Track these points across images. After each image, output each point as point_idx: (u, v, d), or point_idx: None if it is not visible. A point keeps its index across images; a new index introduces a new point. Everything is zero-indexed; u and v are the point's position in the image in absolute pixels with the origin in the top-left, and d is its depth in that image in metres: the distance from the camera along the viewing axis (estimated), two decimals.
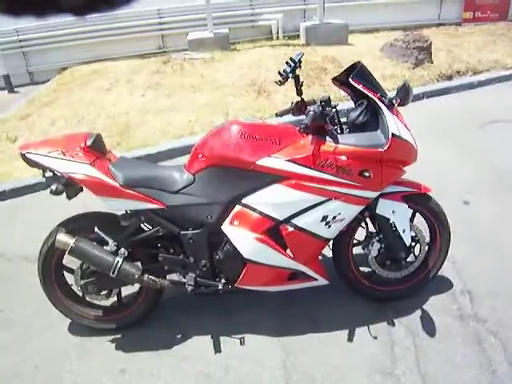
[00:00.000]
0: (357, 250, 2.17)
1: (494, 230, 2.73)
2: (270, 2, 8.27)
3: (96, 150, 1.89)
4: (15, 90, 7.16)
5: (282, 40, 7.98)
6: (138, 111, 5.05)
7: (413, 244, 2.14)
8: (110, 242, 1.92)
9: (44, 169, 1.85)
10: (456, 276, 2.36)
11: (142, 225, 1.99)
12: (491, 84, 5.74)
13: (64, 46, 7.49)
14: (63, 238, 1.85)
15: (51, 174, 1.86)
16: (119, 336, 2.14)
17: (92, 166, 1.82)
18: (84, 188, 1.90)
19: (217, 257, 1.97)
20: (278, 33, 8.16)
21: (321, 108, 1.81)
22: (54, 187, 1.82)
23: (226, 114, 4.79)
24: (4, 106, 6.16)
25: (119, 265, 1.87)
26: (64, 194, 1.87)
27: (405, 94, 1.87)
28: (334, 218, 1.89)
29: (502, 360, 1.87)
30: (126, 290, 2.19)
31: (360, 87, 1.84)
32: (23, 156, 1.82)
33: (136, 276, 1.90)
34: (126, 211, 1.95)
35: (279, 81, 1.92)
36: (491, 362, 1.87)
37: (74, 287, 2.08)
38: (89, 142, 1.86)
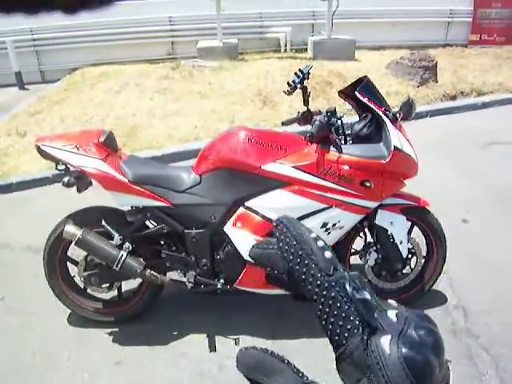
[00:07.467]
0: (354, 260, 2.21)
1: (491, 249, 2.76)
2: (279, 15, 8.41)
3: (108, 146, 1.96)
4: (26, 87, 7.25)
5: (290, 53, 8.09)
6: (145, 114, 5.13)
7: (409, 256, 2.18)
8: (116, 236, 1.97)
9: (57, 161, 1.92)
10: (451, 291, 2.39)
11: (147, 221, 2.05)
12: (494, 106, 5.81)
13: (76, 47, 7.60)
14: (71, 229, 1.91)
15: (64, 166, 1.93)
16: (117, 329, 2.18)
17: (103, 161, 1.89)
18: (94, 182, 1.97)
19: (218, 257, 2.02)
20: (285, 45, 8.26)
21: (327, 118, 1.88)
22: (66, 180, 1.90)
23: (232, 121, 4.87)
24: (14, 102, 6.25)
25: (123, 258, 1.92)
26: (75, 187, 1.94)
27: (408, 109, 1.94)
28: (334, 225, 1.94)
29: (493, 375, 1.89)
30: (127, 285, 2.24)
31: (365, 100, 1.91)
32: (38, 148, 1.89)
33: (138, 271, 1.95)
34: (133, 207, 2.01)
35: (287, 90, 2.00)
36: (482, 377, 1.88)
37: (77, 279, 2.13)
38: (102, 139, 1.93)
